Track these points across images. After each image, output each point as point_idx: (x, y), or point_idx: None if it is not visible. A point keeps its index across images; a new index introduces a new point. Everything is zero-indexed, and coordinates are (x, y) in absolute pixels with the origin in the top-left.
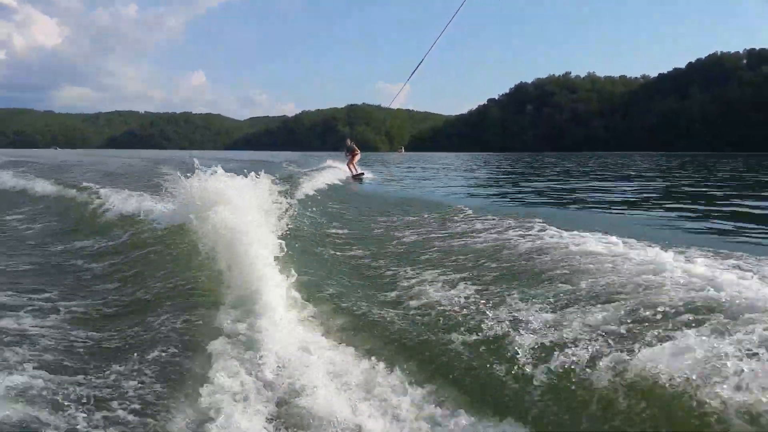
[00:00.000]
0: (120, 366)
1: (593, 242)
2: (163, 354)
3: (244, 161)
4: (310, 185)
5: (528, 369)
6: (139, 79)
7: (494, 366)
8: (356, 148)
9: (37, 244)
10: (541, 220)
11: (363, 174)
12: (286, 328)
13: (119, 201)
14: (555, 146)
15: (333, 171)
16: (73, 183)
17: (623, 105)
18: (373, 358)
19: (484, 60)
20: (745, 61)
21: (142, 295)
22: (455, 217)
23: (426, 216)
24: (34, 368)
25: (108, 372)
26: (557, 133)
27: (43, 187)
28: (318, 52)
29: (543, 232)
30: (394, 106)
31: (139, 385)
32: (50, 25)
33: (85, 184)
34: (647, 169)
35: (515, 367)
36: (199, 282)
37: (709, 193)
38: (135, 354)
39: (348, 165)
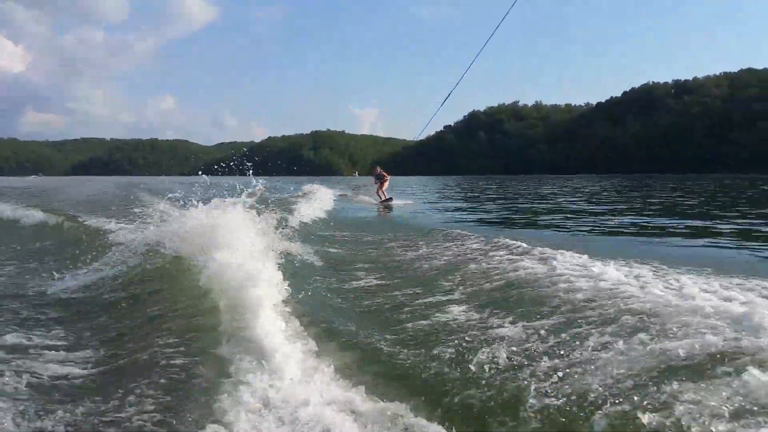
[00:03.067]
0: (120, 397)
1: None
2: (165, 385)
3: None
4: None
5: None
6: (106, 103)
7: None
8: (386, 174)
9: (34, 273)
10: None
11: (391, 199)
12: (289, 361)
13: (117, 231)
14: (504, 170)
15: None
16: (63, 210)
17: (566, 131)
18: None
19: (443, 87)
20: (673, 91)
21: (143, 325)
22: (438, 240)
23: (414, 239)
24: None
25: (107, 404)
26: (507, 158)
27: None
28: (287, 76)
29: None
30: (359, 131)
31: (141, 416)
32: (15, 50)
33: (80, 213)
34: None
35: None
36: (199, 312)
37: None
38: (138, 383)
39: (377, 192)
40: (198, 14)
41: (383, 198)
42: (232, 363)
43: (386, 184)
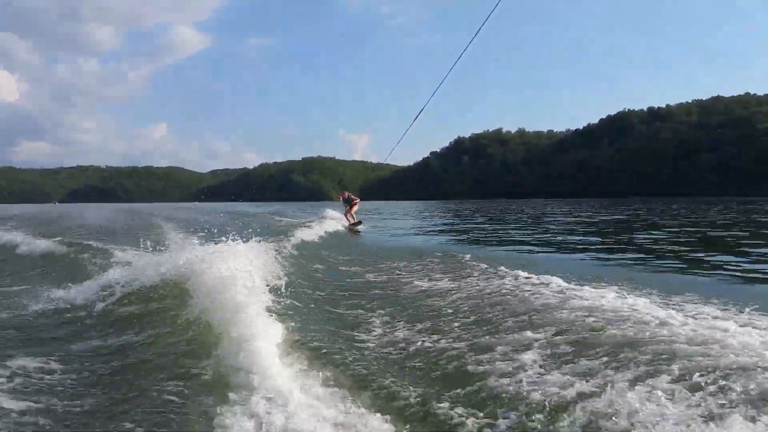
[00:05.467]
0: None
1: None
2: (159, 411)
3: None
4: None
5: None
6: (100, 132)
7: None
8: (355, 198)
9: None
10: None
11: (360, 223)
12: (282, 382)
13: (119, 256)
14: (486, 194)
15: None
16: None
17: (545, 157)
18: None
19: (434, 114)
20: (647, 117)
21: (138, 350)
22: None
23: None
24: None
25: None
26: (488, 182)
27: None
28: (279, 102)
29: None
30: (350, 157)
31: None
32: (9, 80)
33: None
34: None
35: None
36: (194, 339)
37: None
38: (133, 407)
39: (345, 215)
40: (190, 43)
41: (352, 221)
42: (228, 387)
43: (355, 208)
